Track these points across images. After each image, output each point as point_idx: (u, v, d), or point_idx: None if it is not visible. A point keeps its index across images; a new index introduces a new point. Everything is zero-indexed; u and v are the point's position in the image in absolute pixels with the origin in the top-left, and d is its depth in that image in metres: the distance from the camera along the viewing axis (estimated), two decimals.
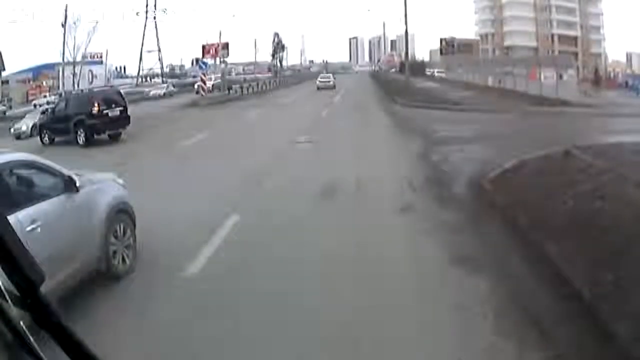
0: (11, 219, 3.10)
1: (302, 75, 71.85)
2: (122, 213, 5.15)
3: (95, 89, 24.59)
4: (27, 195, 4.20)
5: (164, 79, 62.28)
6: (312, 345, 3.63)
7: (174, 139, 15.33)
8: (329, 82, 41.60)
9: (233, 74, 61.46)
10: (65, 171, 4.63)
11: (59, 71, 46.78)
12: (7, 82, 42.20)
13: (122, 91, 19.77)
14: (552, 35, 60.52)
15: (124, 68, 65.00)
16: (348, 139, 14.12)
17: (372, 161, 10.82)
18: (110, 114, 16.44)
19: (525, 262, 4.88)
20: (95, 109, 16.05)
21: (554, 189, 6.44)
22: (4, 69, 40.85)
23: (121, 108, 16.93)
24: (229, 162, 11.36)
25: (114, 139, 16.69)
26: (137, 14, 61.15)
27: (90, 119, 15.97)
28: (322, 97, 31.85)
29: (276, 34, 72.92)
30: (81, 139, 15.93)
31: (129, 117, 17.19)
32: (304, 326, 3.86)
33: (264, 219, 6.82)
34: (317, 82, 42.35)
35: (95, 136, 16.18)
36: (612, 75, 53.25)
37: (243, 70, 71.37)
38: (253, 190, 8.47)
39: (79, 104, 16.88)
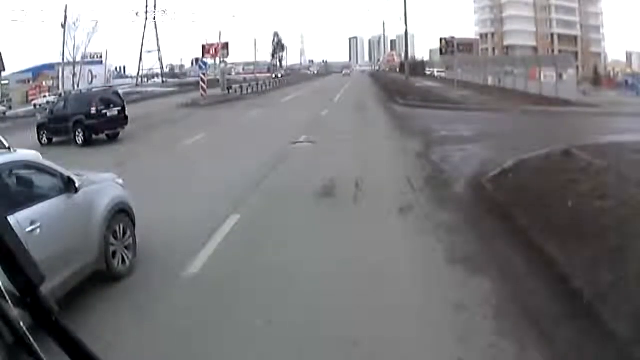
0: (11, 219, 3.10)
1: (303, 75, 72.41)
2: (121, 213, 5.14)
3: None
4: (27, 195, 4.20)
5: (164, 79, 62.32)
6: (312, 345, 3.63)
7: (173, 139, 15.31)
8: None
9: (233, 73, 61.51)
10: (65, 172, 4.62)
11: (58, 71, 46.66)
12: (7, 83, 42.09)
13: (120, 91, 19.79)
14: (552, 35, 60.54)
15: (124, 68, 65.13)
16: (348, 139, 14.10)
17: (372, 161, 10.82)
18: (108, 114, 16.42)
19: (525, 262, 4.88)
20: (94, 109, 16.03)
21: (554, 188, 6.43)
22: (4, 69, 40.72)
23: (119, 108, 16.92)
24: (229, 161, 11.35)
25: (113, 138, 16.69)
26: (137, 14, 61.20)
27: (89, 119, 15.94)
28: (323, 97, 31.84)
29: (276, 34, 73.27)
30: (80, 139, 15.89)
31: (127, 117, 17.18)
32: (305, 326, 3.86)
33: (265, 219, 6.82)
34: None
35: (94, 136, 16.17)
36: (612, 74, 53.25)
37: (243, 70, 71.56)
38: (253, 190, 8.46)
39: (78, 104, 16.82)
